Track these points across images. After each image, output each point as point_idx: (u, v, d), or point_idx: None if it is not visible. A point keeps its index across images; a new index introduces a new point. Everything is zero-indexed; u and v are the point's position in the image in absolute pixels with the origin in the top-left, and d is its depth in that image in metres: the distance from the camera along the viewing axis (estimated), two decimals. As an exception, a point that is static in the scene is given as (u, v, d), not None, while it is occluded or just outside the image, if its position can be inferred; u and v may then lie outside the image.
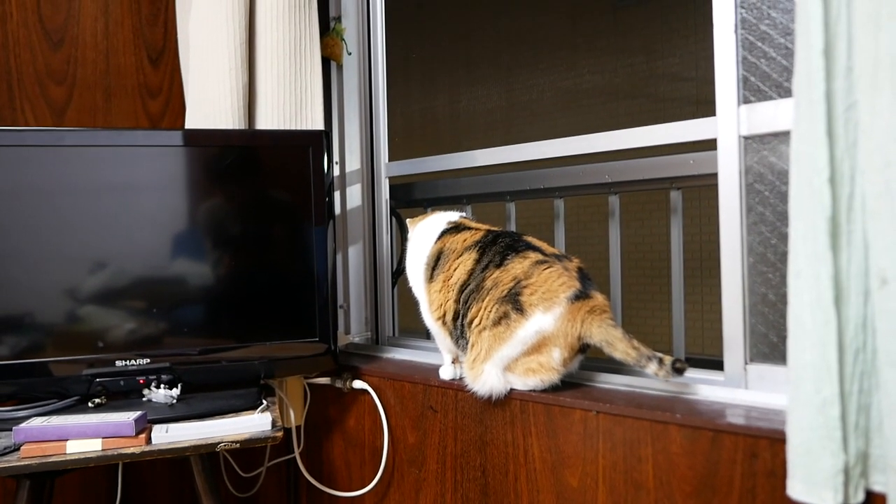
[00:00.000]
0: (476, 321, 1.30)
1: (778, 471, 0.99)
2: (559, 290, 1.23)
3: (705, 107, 1.24)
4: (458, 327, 1.34)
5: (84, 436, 1.15)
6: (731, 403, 1.15)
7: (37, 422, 1.18)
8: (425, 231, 1.48)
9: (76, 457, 1.14)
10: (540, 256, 1.28)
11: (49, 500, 1.36)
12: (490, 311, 1.27)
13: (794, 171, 0.91)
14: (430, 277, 1.41)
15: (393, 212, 1.92)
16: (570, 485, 1.24)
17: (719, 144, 1.21)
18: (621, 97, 4.62)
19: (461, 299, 1.33)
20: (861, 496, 0.90)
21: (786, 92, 1.14)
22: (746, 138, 1.19)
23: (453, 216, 1.49)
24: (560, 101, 4.88)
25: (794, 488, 0.91)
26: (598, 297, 1.25)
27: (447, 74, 5.40)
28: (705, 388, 1.21)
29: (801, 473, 0.89)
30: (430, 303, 1.42)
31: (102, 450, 1.15)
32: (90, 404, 1.34)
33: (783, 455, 0.94)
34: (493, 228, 1.42)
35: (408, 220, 1.59)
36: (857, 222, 0.88)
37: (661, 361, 1.15)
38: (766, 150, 1.17)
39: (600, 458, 1.20)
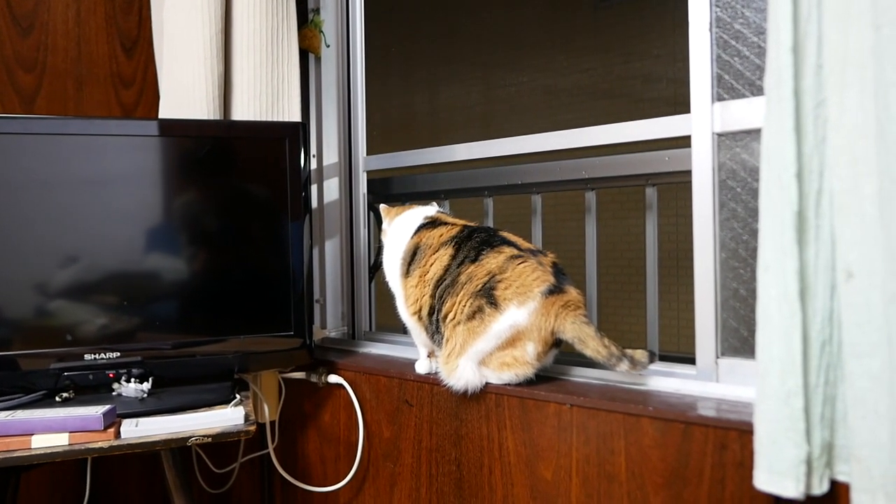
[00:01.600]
0: (451, 316, 1.30)
1: (746, 461, 1.00)
2: (533, 285, 1.24)
3: (683, 108, 1.25)
4: (434, 322, 1.34)
5: (50, 430, 1.13)
6: (702, 396, 1.17)
7: (0, 416, 1.15)
8: (402, 226, 1.47)
9: (42, 451, 1.12)
10: (515, 251, 1.28)
11: (14, 496, 1.33)
12: (464, 306, 1.27)
13: (763, 167, 0.92)
14: (407, 272, 1.41)
15: (371, 206, 1.91)
16: (545, 478, 1.24)
17: (693, 141, 1.23)
18: (600, 97, 4.65)
19: (436, 294, 1.33)
20: (826, 486, 0.91)
21: (758, 90, 1.16)
22: (720, 135, 1.20)
23: (430, 211, 1.49)
24: (539, 101, 4.90)
25: (758, 478, 0.92)
26: (572, 292, 1.26)
27: (426, 72, 5.39)
28: (677, 381, 1.22)
29: (766, 463, 0.91)
30: (405, 298, 1.41)
31: (69, 444, 1.13)
32: (57, 399, 1.31)
33: (751, 446, 0.95)
34: (469, 224, 1.42)
35: (382, 207, 1.57)
36: (825, 217, 0.90)
37: (633, 360, 1.18)
38: (738, 147, 1.19)
39: (574, 451, 1.20)
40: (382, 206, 1.58)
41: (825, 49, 0.87)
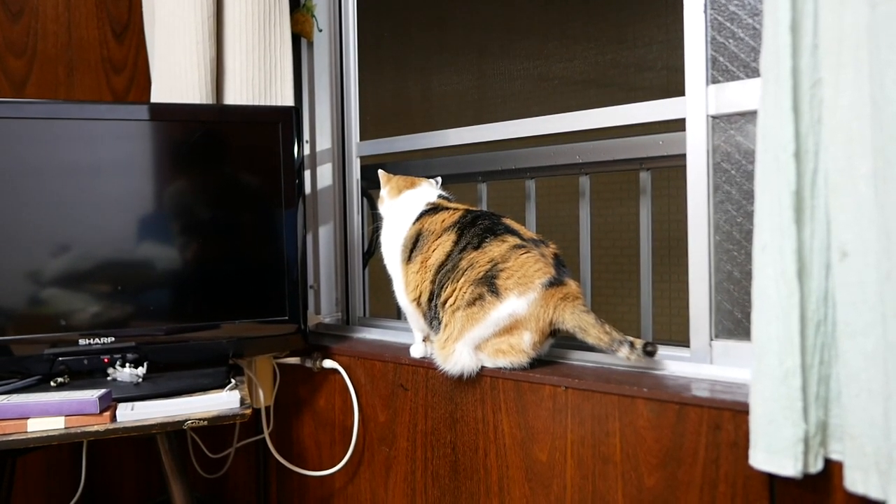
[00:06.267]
0: (450, 301, 1.30)
1: (741, 442, 1.01)
2: (535, 276, 1.24)
3: (676, 95, 1.25)
4: (433, 308, 1.34)
5: (46, 413, 1.13)
6: (696, 378, 1.18)
7: (-4, 400, 1.15)
8: (403, 210, 1.46)
9: (38, 435, 1.11)
10: (518, 241, 1.28)
11: (10, 480, 1.33)
12: (465, 292, 1.27)
13: (760, 147, 0.92)
14: (408, 259, 1.40)
15: (364, 192, 1.90)
16: (540, 460, 1.25)
17: (688, 124, 1.23)
18: (592, 84, 4.64)
19: (437, 280, 1.33)
20: (820, 464, 0.92)
21: (753, 72, 1.16)
22: (714, 118, 1.20)
23: (431, 196, 1.48)
24: (532, 88, 4.89)
25: (755, 457, 0.93)
26: (572, 285, 1.26)
27: (419, 59, 5.36)
28: (672, 363, 1.23)
29: (763, 443, 0.92)
30: (405, 284, 1.41)
31: (66, 428, 1.13)
32: (52, 384, 1.31)
33: (746, 426, 0.96)
34: (471, 208, 1.41)
35: (381, 173, 1.55)
36: (820, 197, 0.90)
37: (632, 345, 1.19)
38: (733, 129, 1.19)
39: (569, 433, 1.21)
40: (381, 173, 1.55)
41: (821, 28, 0.87)
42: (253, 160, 1.49)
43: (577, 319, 1.22)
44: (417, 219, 1.42)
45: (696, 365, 1.21)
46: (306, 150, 1.94)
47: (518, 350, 1.26)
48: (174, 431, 1.30)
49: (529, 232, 1.34)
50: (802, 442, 0.89)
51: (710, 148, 1.20)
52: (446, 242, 1.34)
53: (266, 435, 1.66)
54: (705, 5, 1.20)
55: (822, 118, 0.89)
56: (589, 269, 1.63)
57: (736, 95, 1.17)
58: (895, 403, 0.80)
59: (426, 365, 1.42)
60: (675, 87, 1.27)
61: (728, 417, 1.03)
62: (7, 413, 1.12)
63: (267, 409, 1.69)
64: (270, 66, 1.64)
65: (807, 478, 0.93)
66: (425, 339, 1.46)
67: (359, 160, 1.87)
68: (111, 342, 1.36)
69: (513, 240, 1.28)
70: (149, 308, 1.40)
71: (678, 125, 1.26)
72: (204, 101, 1.57)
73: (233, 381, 1.38)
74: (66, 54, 1.75)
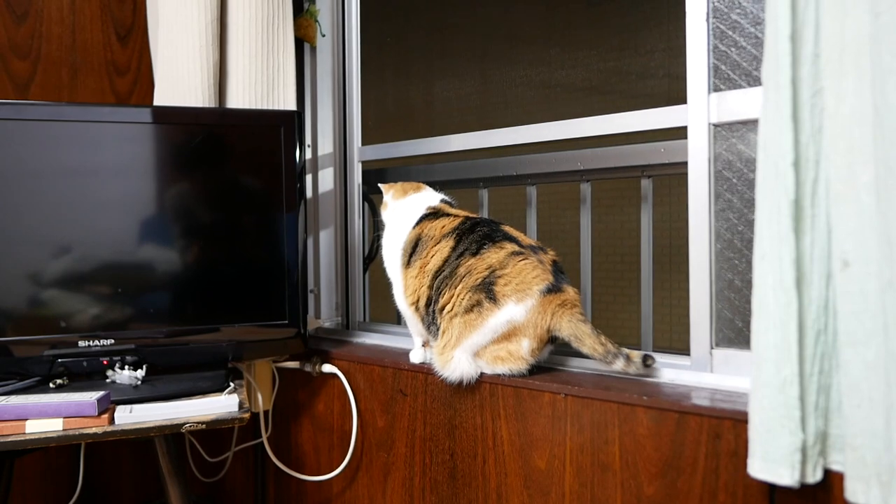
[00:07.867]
0: (448, 308, 1.29)
1: (740, 451, 1.01)
2: (533, 283, 1.24)
3: (677, 104, 1.25)
4: (430, 313, 1.34)
5: (45, 415, 1.13)
6: (696, 386, 1.17)
7: (-5, 401, 1.15)
8: (404, 214, 1.47)
9: (36, 436, 1.11)
10: (516, 247, 1.28)
11: (8, 482, 1.33)
12: (463, 299, 1.27)
13: (760, 156, 0.92)
14: (407, 263, 1.41)
15: (366, 197, 1.90)
16: (538, 467, 1.25)
17: (689, 132, 1.23)
18: (595, 92, 4.65)
19: (434, 285, 1.33)
20: (820, 475, 0.92)
21: (755, 80, 1.16)
22: (716, 126, 1.21)
23: (433, 200, 1.48)
24: (534, 96, 4.90)
25: (753, 466, 0.93)
26: (570, 292, 1.26)
27: (421, 65, 5.37)
28: (672, 371, 1.22)
29: (761, 451, 0.91)
30: (404, 288, 1.41)
31: (64, 430, 1.13)
32: (51, 385, 1.31)
33: (746, 436, 0.96)
34: (471, 215, 1.42)
35: (381, 185, 1.57)
36: (821, 206, 0.90)
37: (627, 358, 1.19)
38: (734, 137, 1.19)
39: (568, 440, 1.21)
40: (382, 185, 1.57)
41: (822, 37, 0.87)
42: (255, 163, 1.49)
43: (574, 328, 1.22)
44: (418, 223, 1.43)
45: (697, 373, 1.20)
46: (308, 154, 1.94)
47: (517, 357, 1.26)
48: (172, 434, 1.29)
49: (528, 238, 1.34)
50: (800, 451, 0.89)
51: (711, 156, 1.20)
52: (444, 248, 1.34)
53: (264, 439, 1.66)
54: (707, 14, 1.20)
55: (823, 127, 0.89)
56: (589, 276, 1.62)
57: (738, 104, 1.17)
58: (896, 414, 0.80)
59: (426, 370, 1.41)
60: (676, 94, 1.27)
61: (728, 426, 1.03)
62: (6, 414, 1.11)
63: (265, 412, 1.69)
64: (273, 70, 1.65)
65: (807, 488, 0.92)
66: (425, 345, 1.46)
67: (360, 164, 1.87)
68: (111, 344, 1.35)
69: (511, 246, 1.28)
70: (149, 311, 1.40)
71: (680, 133, 1.26)
72: (207, 105, 1.58)
73: (232, 384, 1.37)
74: (70, 56, 1.76)
